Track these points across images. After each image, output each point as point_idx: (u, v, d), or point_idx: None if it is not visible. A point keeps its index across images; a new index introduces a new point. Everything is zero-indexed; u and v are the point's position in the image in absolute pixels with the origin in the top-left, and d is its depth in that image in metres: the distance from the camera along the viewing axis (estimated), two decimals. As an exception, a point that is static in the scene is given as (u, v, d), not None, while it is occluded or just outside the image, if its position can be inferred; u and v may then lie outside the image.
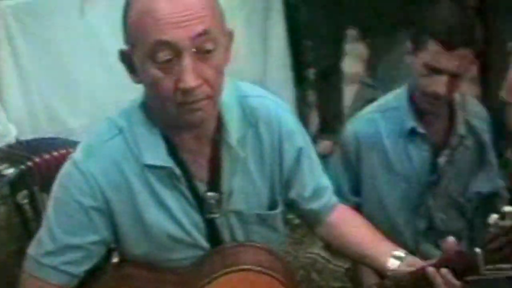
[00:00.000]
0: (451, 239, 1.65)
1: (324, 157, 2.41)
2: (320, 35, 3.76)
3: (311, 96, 4.10)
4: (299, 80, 3.94)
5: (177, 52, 1.42)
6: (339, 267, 2.77)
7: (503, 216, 1.82)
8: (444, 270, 1.58)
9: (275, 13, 3.67)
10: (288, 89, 3.78)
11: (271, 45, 3.68)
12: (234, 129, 1.61)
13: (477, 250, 1.59)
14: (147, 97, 1.59)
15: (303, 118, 3.92)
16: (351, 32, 4.36)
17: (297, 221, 3.01)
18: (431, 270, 1.60)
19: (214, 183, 1.63)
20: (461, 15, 2.13)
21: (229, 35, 1.55)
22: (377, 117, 2.24)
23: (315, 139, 3.92)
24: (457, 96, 2.24)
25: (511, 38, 2.95)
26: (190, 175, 1.61)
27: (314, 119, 4.09)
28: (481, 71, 3.86)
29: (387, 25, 3.39)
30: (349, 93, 4.17)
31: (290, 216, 2.90)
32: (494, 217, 1.81)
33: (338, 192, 2.17)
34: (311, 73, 4.03)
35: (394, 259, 1.72)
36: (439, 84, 2.06)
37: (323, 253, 2.95)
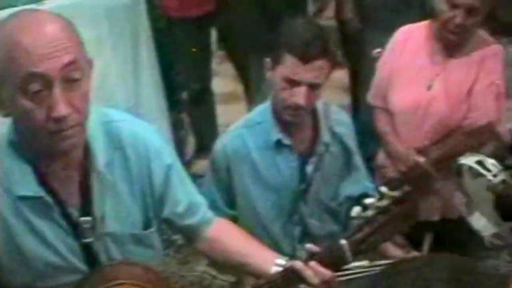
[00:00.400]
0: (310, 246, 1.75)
1: (202, 177, 2.50)
2: (189, 57, 3.85)
3: (186, 118, 4.17)
4: (173, 103, 4.00)
5: (47, 82, 1.46)
6: (225, 281, 2.85)
7: (365, 208, 1.96)
8: (312, 263, 1.68)
9: (144, 39, 3.70)
10: (162, 113, 3.81)
11: (142, 71, 3.70)
12: (101, 154, 1.66)
13: (342, 241, 1.69)
14: (16, 130, 1.61)
15: (180, 140, 3.99)
16: (222, 52, 4.49)
17: (181, 241, 3.09)
18: (299, 264, 1.69)
19: (86, 208, 1.67)
20: (315, 30, 2.25)
21: (90, 63, 1.61)
22: (244, 132, 2.33)
23: (192, 160, 4.02)
24: (319, 106, 2.37)
25: (375, 47, 3.15)
26: (62, 202, 1.64)
27: (191, 140, 4.16)
28: (352, 79, 4.07)
29: (254, 44, 3.52)
30: (224, 112, 4.27)
31: (175, 237, 2.97)
32: (356, 209, 1.95)
33: (215, 207, 2.27)
34: (183, 95, 4.11)
35: (277, 267, 1.79)
36: (298, 96, 2.17)
37: (209, 270, 3.02)
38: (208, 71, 4.11)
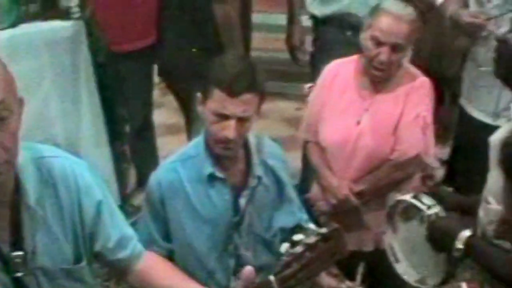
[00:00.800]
0: (248, 268, 1.82)
1: (142, 209, 2.54)
2: (131, 90, 3.89)
3: (127, 151, 4.19)
4: (116, 136, 4.01)
5: None
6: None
7: (294, 244, 2.03)
8: None
9: (85, 71, 3.72)
10: (103, 146, 3.82)
11: (82, 104, 3.72)
12: (31, 190, 1.71)
13: (271, 277, 1.76)
14: None
15: (122, 173, 4.01)
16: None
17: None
18: None
19: (17, 243, 1.72)
20: (243, 64, 2.32)
21: (20, 102, 1.65)
22: (178, 166, 2.38)
23: (133, 192, 4.05)
24: (252, 139, 2.43)
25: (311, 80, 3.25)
26: None
27: (132, 173, 4.18)
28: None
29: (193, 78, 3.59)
30: (168, 144, 4.31)
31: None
32: (285, 245, 2.02)
33: (151, 240, 2.33)
34: (126, 128, 4.13)
35: None
36: (228, 129, 2.23)
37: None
38: (149, 103, 4.16)
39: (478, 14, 3.02)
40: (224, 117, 2.23)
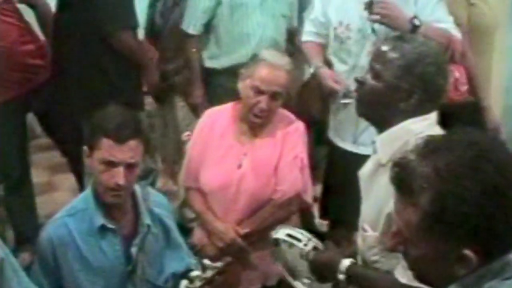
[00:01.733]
0: None
1: (26, 269, 2.54)
2: (5, 144, 3.81)
3: (3, 212, 4.10)
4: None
5: None
6: None
7: (191, 280, 2.12)
8: None
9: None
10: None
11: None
12: None
13: None
14: None
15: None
16: (39, 142, 4.50)
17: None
18: None
19: None
20: (126, 114, 2.44)
21: None
22: (68, 220, 2.43)
23: (15, 253, 3.95)
24: (138, 189, 2.53)
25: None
26: None
27: (9, 234, 4.09)
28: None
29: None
30: (40, 203, 4.27)
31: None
32: (184, 282, 2.11)
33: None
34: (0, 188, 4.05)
35: None
36: (118, 176, 2.33)
37: None
38: (26, 159, 4.09)
39: (340, 79, 3.13)
40: (113, 164, 2.33)
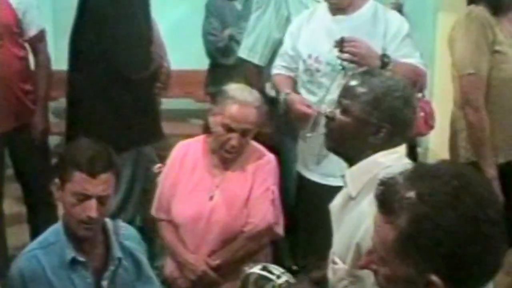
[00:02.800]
0: None
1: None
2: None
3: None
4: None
5: None
6: None
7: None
8: None
9: None
10: None
11: None
12: None
13: None
14: None
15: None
16: (10, 172, 4.48)
17: None
18: None
19: None
20: (98, 147, 2.46)
21: None
22: (38, 253, 2.43)
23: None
24: (109, 222, 2.55)
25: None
26: None
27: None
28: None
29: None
30: (10, 235, 4.26)
31: None
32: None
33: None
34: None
35: None
36: (90, 209, 2.36)
37: None
38: (1, 190, 4.10)
39: (310, 105, 3.12)
40: (85, 197, 2.36)
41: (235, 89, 3.01)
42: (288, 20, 3.51)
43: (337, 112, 2.20)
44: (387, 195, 1.44)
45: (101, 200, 2.39)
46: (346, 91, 2.21)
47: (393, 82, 2.17)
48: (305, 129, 3.16)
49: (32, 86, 3.96)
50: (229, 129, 2.91)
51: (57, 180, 2.44)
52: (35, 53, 4.03)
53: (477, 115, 3.13)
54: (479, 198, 1.38)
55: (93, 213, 2.36)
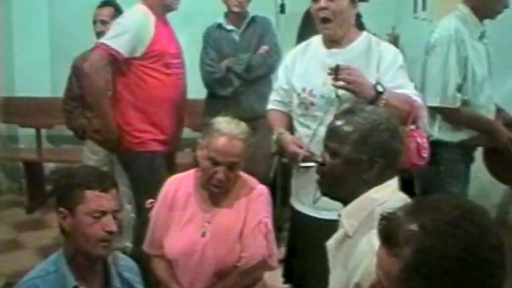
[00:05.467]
0: None
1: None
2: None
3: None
4: None
5: None
6: None
7: None
8: None
9: None
10: None
11: None
12: None
13: None
14: None
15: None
16: (4, 198, 4.54)
17: None
18: None
19: None
20: (95, 168, 2.60)
21: None
22: (38, 282, 2.47)
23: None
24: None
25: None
26: None
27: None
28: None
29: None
30: (4, 261, 4.30)
31: None
32: None
33: None
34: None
35: None
36: (110, 223, 2.45)
37: None
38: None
39: (301, 144, 3.14)
40: (101, 213, 2.44)
41: (221, 121, 3.01)
42: None
43: (327, 156, 2.24)
44: (390, 229, 1.51)
45: (114, 215, 2.49)
46: (332, 134, 2.25)
47: (376, 116, 2.21)
48: (298, 166, 3.20)
49: None
50: (215, 163, 2.93)
51: (61, 209, 2.49)
52: None
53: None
54: (480, 227, 1.45)
55: (114, 227, 2.45)
